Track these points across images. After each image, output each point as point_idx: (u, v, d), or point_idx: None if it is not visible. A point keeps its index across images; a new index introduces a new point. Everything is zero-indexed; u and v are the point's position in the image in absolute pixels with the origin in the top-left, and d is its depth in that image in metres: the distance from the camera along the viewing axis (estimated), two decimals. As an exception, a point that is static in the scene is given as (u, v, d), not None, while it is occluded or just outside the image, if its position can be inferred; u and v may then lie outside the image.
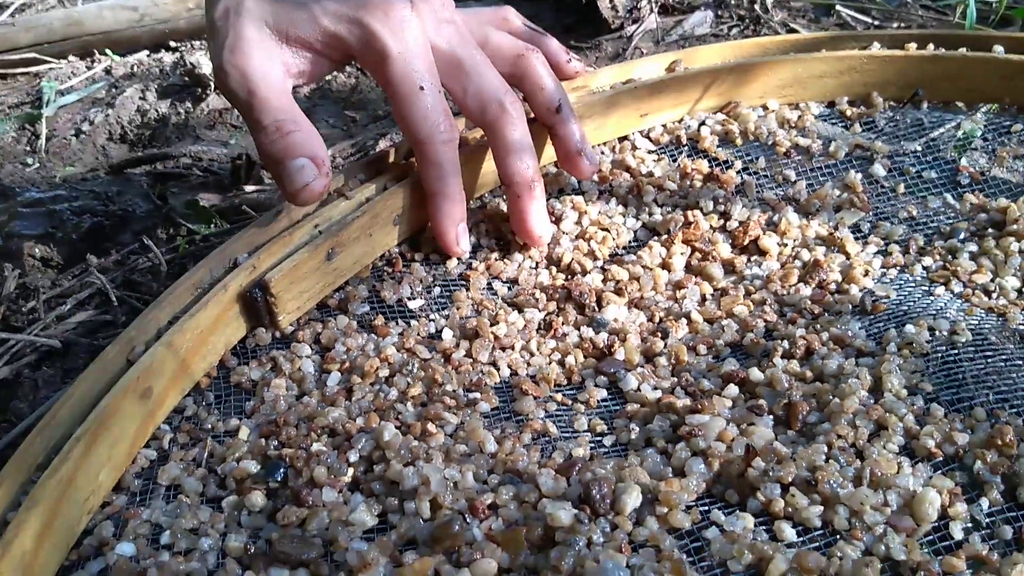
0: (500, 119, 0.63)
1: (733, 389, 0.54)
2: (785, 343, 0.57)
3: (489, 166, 0.68)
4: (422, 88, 0.60)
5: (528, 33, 0.72)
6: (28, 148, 1.06)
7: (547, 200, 0.67)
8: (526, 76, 0.66)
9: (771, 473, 0.46)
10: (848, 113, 0.76)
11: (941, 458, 0.48)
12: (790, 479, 0.46)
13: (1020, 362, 0.54)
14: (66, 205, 0.88)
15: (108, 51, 1.27)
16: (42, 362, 0.62)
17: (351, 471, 0.50)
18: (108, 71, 1.22)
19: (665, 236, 0.67)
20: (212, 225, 0.83)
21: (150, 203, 0.88)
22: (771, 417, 0.51)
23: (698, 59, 0.78)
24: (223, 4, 0.60)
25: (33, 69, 1.25)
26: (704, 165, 0.72)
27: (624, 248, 0.68)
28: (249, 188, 0.87)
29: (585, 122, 0.72)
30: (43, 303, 0.65)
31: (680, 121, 0.76)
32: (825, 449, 0.48)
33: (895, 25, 1.02)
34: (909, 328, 0.56)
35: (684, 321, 0.61)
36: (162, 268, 0.68)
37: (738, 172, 0.72)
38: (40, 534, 0.44)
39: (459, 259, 0.66)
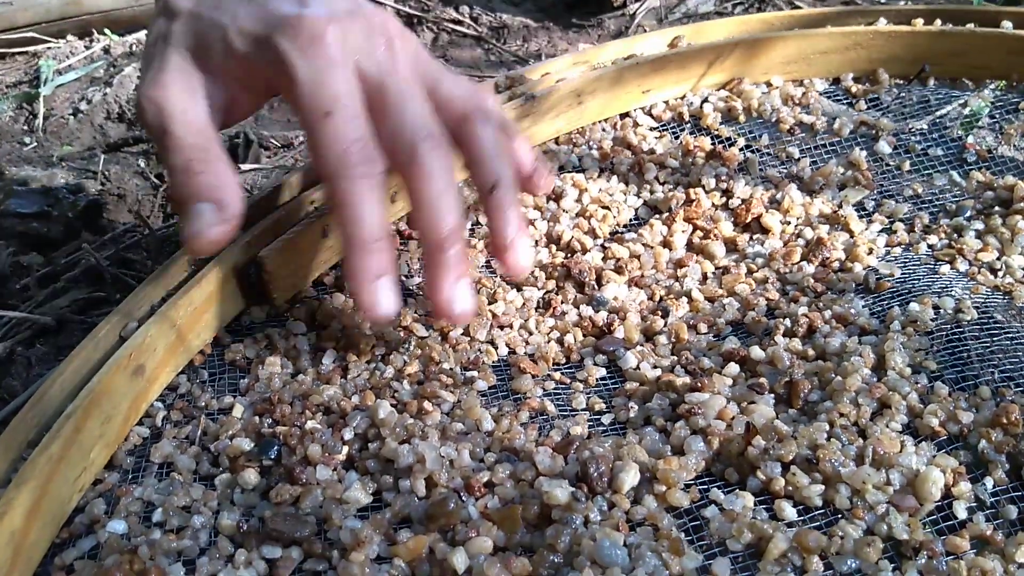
0: (411, 166, 0.52)
1: (734, 367, 0.53)
2: (787, 321, 0.56)
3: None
4: (328, 114, 0.50)
5: (501, 120, 0.58)
6: (25, 127, 1.05)
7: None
8: (468, 142, 0.55)
9: (771, 451, 0.45)
10: (853, 90, 0.75)
11: (945, 437, 0.47)
12: (791, 457, 0.45)
13: (1025, 340, 0.53)
14: (62, 182, 0.87)
15: (107, 31, 1.26)
16: (35, 339, 0.61)
17: (345, 449, 0.49)
18: (107, 50, 1.21)
19: (667, 214, 0.66)
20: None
21: (147, 182, 0.87)
22: (772, 395, 0.51)
23: (701, 35, 0.77)
24: (155, 31, 0.55)
25: (31, 49, 1.24)
26: (707, 142, 0.71)
27: (625, 226, 0.67)
28: (246, 167, 0.86)
29: (587, 98, 0.71)
30: (36, 281, 0.64)
31: (683, 98, 0.75)
32: (827, 427, 0.47)
33: (901, 2, 1.01)
34: (913, 306, 0.55)
35: (685, 300, 0.60)
36: (150, 250, 0.68)
37: (741, 149, 0.71)
38: (30, 512, 0.44)
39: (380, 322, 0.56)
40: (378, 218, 0.51)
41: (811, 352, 0.53)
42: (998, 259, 0.61)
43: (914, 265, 0.61)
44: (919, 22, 0.75)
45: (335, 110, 0.50)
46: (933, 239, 0.63)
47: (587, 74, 0.72)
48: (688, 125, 0.74)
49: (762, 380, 0.51)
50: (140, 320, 0.53)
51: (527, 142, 0.60)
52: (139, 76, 0.59)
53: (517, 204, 0.56)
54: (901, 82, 0.75)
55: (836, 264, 0.61)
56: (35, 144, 1.01)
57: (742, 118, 0.73)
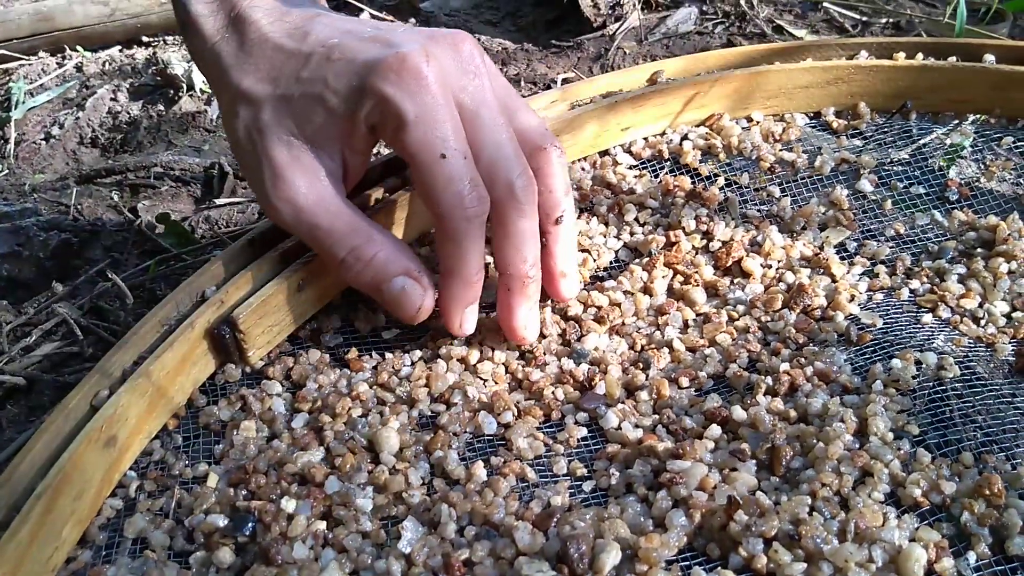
0: (507, 202, 0.54)
1: (715, 429, 0.52)
2: (768, 379, 0.55)
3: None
4: (443, 156, 0.51)
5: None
6: (-4, 154, 1.03)
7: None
8: (539, 172, 0.57)
9: (753, 528, 0.45)
10: (834, 125, 0.74)
11: (928, 507, 0.47)
12: (773, 533, 0.45)
13: (1009, 396, 0.53)
14: (33, 220, 0.85)
15: (79, 47, 1.24)
16: (6, 399, 0.60)
17: (323, 525, 0.48)
18: (79, 68, 1.20)
19: (647, 258, 0.65)
20: (184, 241, 0.81)
21: (120, 217, 0.85)
22: (754, 462, 0.50)
23: (680, 69, 0.76)
24: (242, 123, 0.55)
25: (2, 66, 1.22)
26: (686, 182, 0.70)
27: (605, 269, 0.66)
28: (221, 201, 0.84)
29: (565, 137, 0.70)
30: (7, 335, 0.63)
31: (662, 134, 0.74)
32: (809, 500, 0.46)
33: (883, 21, 1.00)
34: (895, 362, 0.55)
35: (666, 350, 0.60)
36: (128, 301, 0.66)
37: (721, 188, 0.70)
38: (-1, 599, 0.43)
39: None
40: (480, 256, 0.55)
41: (793, 413, 0.53)
42: (980, 306, 0.60)
43: (896, 313, 0.60)
44: (901, 56, 0.74)
45: (448, 151, 0.52)
46: (915, 283, 0.62)
47: (565, 113, 0.71)
48: (668, 163, 0.73)
49: (744, 446, 0.50)
50: (112, 387, 0.52)
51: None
52: (241, 175, 0.60)
53: (574, 237, 0.60)
54: (883, 116, 0.74)
55: (818, 312, 0.61)
56: (6, 171, 0.99)
57: (722, 156, 0.72)
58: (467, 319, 0.57)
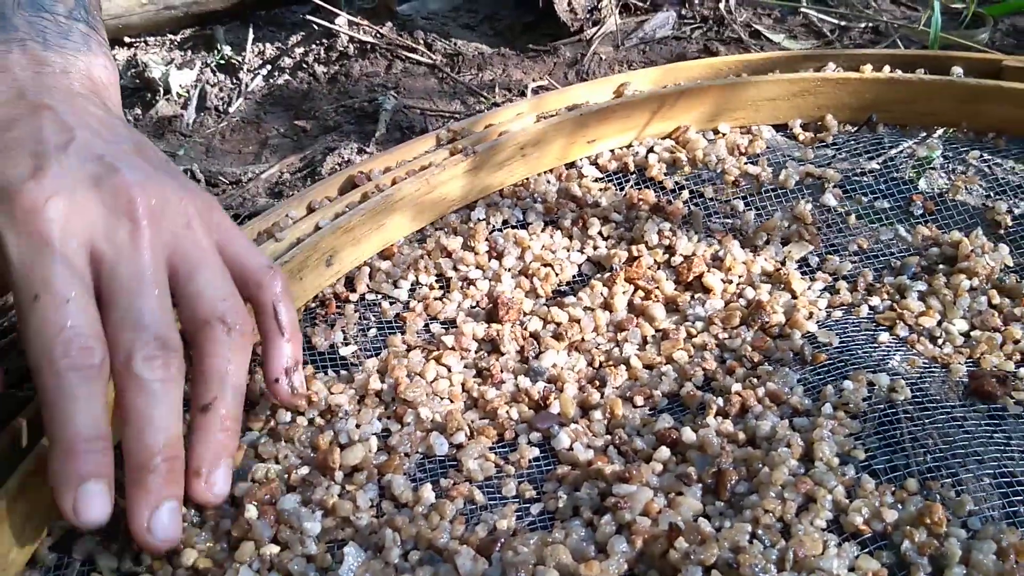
0: (123, 372, 0.46)
1: (665, 451, 0.52)
2: (720, 399, 0.55)
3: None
4: (36, 297, 0.44)
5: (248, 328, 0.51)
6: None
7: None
8: (196, 352, 0.50)
9: (693, 556, 0.45)
10: (801, 137, 0.74)
11: (869, 535, 0.47)
12: (712, 561, 0.45)
13: (960, 419, 0.53)
14: None
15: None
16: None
17: (269, 549, 0.49)
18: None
19: (608, 273, 0.65)
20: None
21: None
22: (700, 486, 0.50)
23: (647, 81, 0.75)
24: None
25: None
26: (651, 195, 0.70)
27: (568, 283, 0.66)
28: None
29: (531, 150, 0.70)
30: (-33, 350, 0.63)
31: (629, 147, 0.74)
32: (749, 528, 0.46)
33: (862, 25, 0.99)
34: (848, 384, 0.55)
35: (623, 367, 0.60)
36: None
37: (685, 202, 0.70)
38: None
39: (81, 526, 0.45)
40: (91, 417, 0.44)
41: (742, 436, 0.53)
42: (939, 324, 0.60)
43: (853, 331, 0.60)
44: (868, 68, 0.74)
45: (42, 293, 0.44)
46: (875, 300, 0.62)
47: (531, 127, 0.70)
48: (634, 175, 0.73)
49: (690, 470, 0.50)
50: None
51: (288, 347, 0.54)
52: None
53: (230, 429, 0.50)
54: (850, 129, 0.74)
55: (775, 330, 0.61)
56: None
57: (688, 169, 0.72)
58: (84, 503, 0.44)
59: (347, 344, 0.62)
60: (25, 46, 0.54)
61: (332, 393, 0.57)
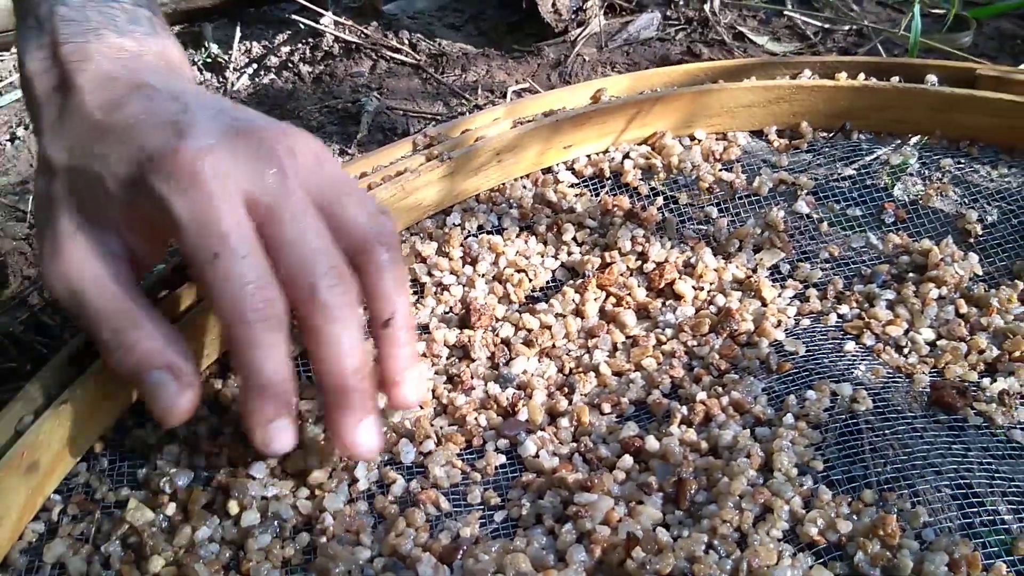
0: (309, 305, 0.49)
1: (628, 460, 0.53)
2: (684, 408, 0.56)
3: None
4: (216, 255, 0.47)
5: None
6: (-39, 153, 1.04)
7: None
8: (362, 271, 0.52)
9: (649, 566, 0.46)
10: (776, 144, 0.74)
11: (824, 545, 0.47)
12: (668, 571, 0.46)
13: (921, 428, 0.53)
14: (-9, 224, 0.86)
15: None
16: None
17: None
18: (51, 65, 1.20)
19: (581, 280, 0.66)
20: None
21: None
22: (660, 494, 0.51)
23: (624, 87, 0.76)
24: (38, 192, 0.53)
25: (-24, 61, 1.23)
26: (625, 201, 0.70)
27: (541, 289, 0.67)
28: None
29: (507, 156, 0.71)
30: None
31: (605, 152, 0.75)
32: (706, 538, 0.47)
33: (845, 28, 1.00)
34: (810, 394, 0.55)
35: (592, 374, 0.60)
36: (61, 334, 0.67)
37: (659, 209, 0.70)
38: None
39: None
40: (278, 363, 0.48)
41: (704, 445, 0.53)
42: (905, 333, 0.61)
43: (821, 340, 0.61)
44: (843, 76, 0.74)
45: (222, 251, 0.47)
46: (844, 308, 0.63)
47: (507, 132, 0.71)
48: (609, 181, 0.73)
49: (651, 479, 0.51)
50: (36, 412, 0.53)
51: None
52: (34, 250, 0.55)
53: (411, 340, 0.54)
54: (825, 135, 0.74)
55: (743, 338, 0.61)
56: (-29, 172, 1.00)
57: (662, 175, 0.72)
58: (273, 436, 0.49)
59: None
60: (101, 35, 0.55)
61: (302, 398, 0.58)
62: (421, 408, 0.59)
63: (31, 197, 0.54)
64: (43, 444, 0.52)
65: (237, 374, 0.52)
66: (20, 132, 1.05)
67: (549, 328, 0.63)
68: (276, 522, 0.51)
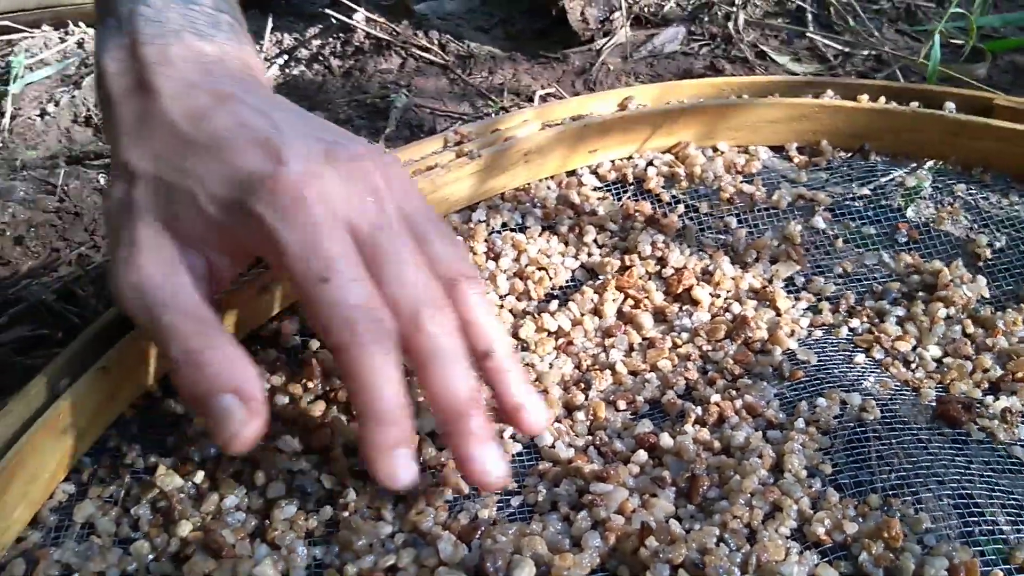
0: (416, 335, 0.48)
1: (642, 455, 0.55)
2: (699, 409, 0.58)
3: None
4: (325, 279, 0.47)
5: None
6: (-8, 126, 1.06)
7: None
8: (456, 304, 0.51)
9: (662, 554, 0.47)
10: (796, 160, 0.76)
11: (829, 545, 0.49)
12: (680, 560, 0.47)
13: (926, 439, 0.55)
14: (21, 195, 0.88)
15: (81, 23, 1.26)
16: (-25, 381, 0.63)
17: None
18: (80, 44, 1.22)
19: (600, 280, 0.68)
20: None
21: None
22: (674, 489, 0.53)
23: (651, 96, 0.78)
24: (115, 196, 0.52)
25: (6, 37, 1.25)
26: (647, 207, 0.72)
27: (561, 288, 0.69)
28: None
29: (534, 157, 0.73)
30: (-21, 316, 0.66)
31: (629, 158, 0.77)
32: (717, 532, 0.49)
33: (864, 53, 1.02)
34: (821, 401, 0.57)
35: (609, 372, 0.62)
36: (98, 292, 0.69)
37: (680, 216, 0.72)
38: (-52, 575, 0.46)
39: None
40: (395, 386, 0.47)
41: (717, 444, 0.55)
42: (913, 349, 0.63)
43: (832, 351, 0.63)
44: (864, 98, 0.76)
45: (331, 275, 0.47)
46: (856, 322, 0.65)
47: (536, 134, 0.73)
48: (632, 187, 0.75)
49: (665, 473, 0.53)
50: (72, 376, 0.55)
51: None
52: (106, 255, 0.55)
53: (518, 366, 0.53)
54: (844, 155, 0.76)
55: (757, 345, 0.63)
56: (0, 145, 1.02)
57: (684, 183, 0.75)
58: (397, 466, 0.47)
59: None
60: (181, 37, 0.55)
61: (331, 384, 0.60)
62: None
63: (103, 201, 0.53)
64: (77, 408, 0.54)
65: (352, 403, 0.52)
66: (50, 108, 1.07)
67: (567, 325, 0.65)
68: (301, 494, 0.53)
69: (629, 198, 0.74)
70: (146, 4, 0.55)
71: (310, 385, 0.59)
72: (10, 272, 0.77)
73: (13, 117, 1.06)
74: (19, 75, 1.13)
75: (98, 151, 0.95)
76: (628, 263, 0.68)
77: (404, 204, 0.52)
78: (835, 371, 0.61)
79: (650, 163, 0.76)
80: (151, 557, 0.50)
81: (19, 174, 0.94)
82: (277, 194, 0.48)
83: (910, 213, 0.73)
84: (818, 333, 0.64)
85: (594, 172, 0.76)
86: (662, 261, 0.69)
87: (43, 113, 1.07)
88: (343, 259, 0.48)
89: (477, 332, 0.52)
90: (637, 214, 0.72)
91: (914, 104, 0.76)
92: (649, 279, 0.68)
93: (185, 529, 0.51)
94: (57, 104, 1.07)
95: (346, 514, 0.52)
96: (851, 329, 0.65)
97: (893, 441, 0.55)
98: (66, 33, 1.25)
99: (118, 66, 0.54)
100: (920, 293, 0.67)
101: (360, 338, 0.46)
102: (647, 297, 0.67)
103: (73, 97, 1.07)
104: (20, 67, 1.14)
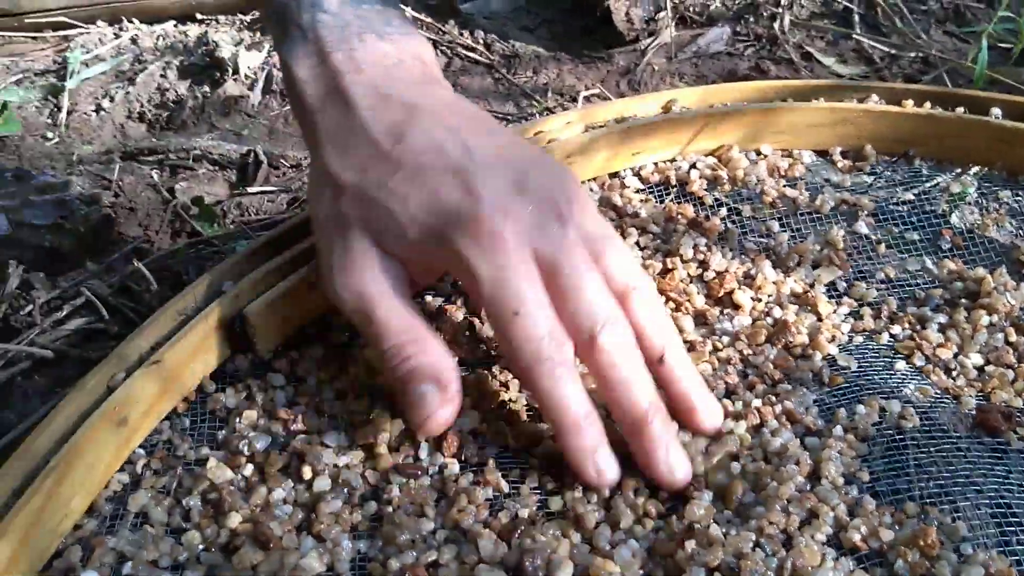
0: (593, 353, 0.53)
1: (681, 457, 0.56)
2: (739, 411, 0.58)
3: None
4: (516, 313, 0.52)
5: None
6: (49, 121, 1.08)
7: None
8: (628, 313, 0.55)
9: (698, 557, 0.48)
10: (840, 165, 0.76)
11: (865, 552, 0.50)
12: (716, 564, 0.48)
13: (965, 448, 0.55)
14: (77, 190, 0.91)
15: (135, 19, 1.29)
16: (35, 370, 0.65)
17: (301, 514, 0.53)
18: (134, 40, 1.24)
19: (642, 283, 0.68)
20: (215, 225, 0.86)
21: (158, 196, 0.90)
22: (711, 492, 0.53)
23: (694, 99, 0.78)
24: (326, 202, 0.57)
25: (62, 33, 1.28)
26: (689, 210, 0.73)
27: (602, 290, 0.70)
28: (253, 189, 0.89)
29: (578, 158, 0.73)
30: (39, 308, 0.68)
31: (672, 161, 0.77)
32: (753, 537, 0.50)
33: (912, 55, 1.01)
34: (860, 408, 0.58)
35: (649, 374, 0.63)
36: (152, 287, 0.71)
37: (722, 219, 0.73)
38: (10, 560, 0.48)
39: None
40: (580, 396, 0.52)
41: (758, 449, 0.56)
42: (955, 357, 0.63)
43: (872, 357, 0.63)
44: (909, 103, 0.76)
45: (522, 309, 0.52)
46: (897, 329, 0.65)
47: (579, 136, 0.74)
48: (675, 189, 0.76)
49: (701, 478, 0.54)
50: (128, 370, 0.57)
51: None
52: (317, 259, 0.60)
53: (691, 368, 0.57)
54: (888, 159, 0.76)
55: (798, 350, 0.63)
56: (57, 140, 1.05)
57: (727, 187, 0.75)
58: (601, 466, 0.53)
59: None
60: (364, 40, 0.59)
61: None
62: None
63: (311, 205, 0.59)
64: (132, 401, 0.56)
65: (547, 420, 0.56)
66: (105, 104, 1.09)
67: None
68: (346, 489, 0.54)
69: (672, 200, 0.75)
70: (324, 11, 0.59)
71: (356, 382, 0.61)
72: (69, 267, 0.80)
73: (69, 112, 1.09)
74: (75, 71, 1.16)
75: (151, 147, 0.98)
76: (670, 266, 0.69)
77: (584, 223, 0.56)
78: (875, 377, 0.61)
79: (693, 166, 0.77)
80: (201, 547, 0.52)
81: (75, 168, 0.97)
82: (477, 230, 0.52)
83: (954, 219, 0.73)
84: (859, 339, 0.65)
85: (637, 174, 0.77)
86: (704, 264, 0.70)
87: (98, 109, 1.09)
88: (531, 291, 0.52)
89: (650, 338, 0.56)
90: (679, 217, 0.72)
91: (959, 109, 0.76)
92: (691, 282, 0.69)
93: (235, 521, 0.53)
94: (112, 100, 1.10)
95: (390, 509, 0.53)
96: (892, 335, 0.65)
97: (932, 449, 0.55)
98: (120, 29, 1.28)
99: (309, 73, 0.59)
100: (963, 300, 0.67)
101: (546, 364, 0.52)
102: (688, 300, 0.67)
103: (127, 93, 1.10)
104: (76, 63, 1.17)
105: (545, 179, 0.56)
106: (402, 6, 0.64)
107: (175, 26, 1.28)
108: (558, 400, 0.52)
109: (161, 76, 1.12)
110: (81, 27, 1.28)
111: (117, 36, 1.26)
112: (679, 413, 0.56)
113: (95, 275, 0.74)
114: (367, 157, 0.56)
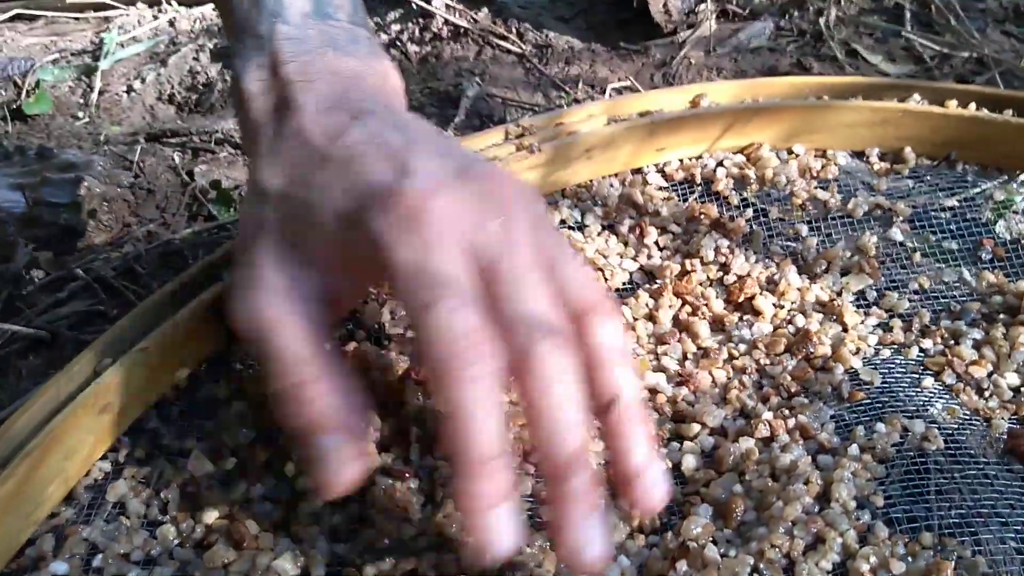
0: (525, 372, 0.42)
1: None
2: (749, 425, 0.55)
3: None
4: (431, 304, 0.42)
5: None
6: (81, 101, 1.08)
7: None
8: (584, 342, 0.45)
9: (690, 579, 0.45)
10: (876, 167, 0.72)
11: (874, 583, 0.46)
12: (709, 587, 0.45)
13: (992, 475, 0.51)
14: (99, 170, 0.90)
15: (173, 2, 1.29)
16: (30, 350, 0.64)
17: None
18: (172, 23, 1.24)
19: (657, 284, 0.65)
20: (232, 209, 0.84)
21: (177, 178, 0.89)
22: (711, 508, 0.50)
23: (725, 94, 0.75)
24: (248, 211, 0.51)
25: (103, 13, 1.28)
26: (713, 209, 0.69)
27: (617, 291, 0.67)
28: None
29: (600, 152, 0.70)
30: (40, 289, 0.67)
31: (698, 158, 0.74)
32: (752, 561, 0.46)
33: (965, 55, 0.96)
34: (880, 427, 0.54)
35: (659, 381, 0.60)
36: (155, 271, 0.70)
37: (748, 221, 0.69)
38: (-22, 546, 0.46)
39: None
40: (494, 430, 0.41)
41: (766, 464, 0.53)
42: (989, 376, 0.58)
43: (899, 372, 0.59)
44: (953, 104, 0.72)
45: (436, 300, 0.42)
46: (928, 343, 0.61)
47: (601, 129, 0.71)
48: (699, 187, 0.72)
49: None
50: (116, 356, 0.55)
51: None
52: (228, 272, 0.53)
53: (644, 422, 0.45)
54: (928, 163, 0.72)
55: (819, 362, 0.60)
56: (87, 119, 1.04)
57: (755, 187, 0.71)
58: (497, 528, 0.41)
59: (395, 324, 0.63)
60: (323, 54, 0.54)
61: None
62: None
63: (239, 221, 0.53)
64: (118, 387, 0.54)
65: (444, 446, 0.46)
66: (136, 85, 1.09)
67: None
68: (329, 489, 0.52)
69: (695, 199, 0.71)
70: (285, 22, 0.54)
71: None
72: (82, 245, 0.79)
73: (101, 92, 1.08)
74: (110, 51, 1.15)
75: (175, 129, 0.97)
76: (689, 268, 0.65)
77: (533, 230, 0.46)
78: (899, 395, 0.57)
79: (720, 163, 0.73)
80: (176, 542, 0.50)
81: (101, 148, 0.96)
82: (395, 208, 0.44)
83: (998, 228, 0.68)
84: (886, 352, 0.61)
85: (660, 171, 0.74)
86: (725, 267, 0.66)
87: (129, 89, 1.09)
88: (453, 284, 0.43)
89: (603, 375, 0.45)
90: (702, 216, 0.69)
91: (1008, 112, 0.71)
92: (710, 285, 0.66)
93: (211, 516, 0.51)
94: (143, 81, 1.09)
95: (372, 512, 0.51)
96: (922, 350, 0.61)
97: (956, 475, 0.51)
98: (159, 11, 1.27)
99: (260, 86, 0.53)
100: (1001, 315, 0.62)
101: (459, 372, 0.41)
102: (706, 304, 0.64)
103: (159, 75, 1.09)
104: (112, 43, 1.17)
105: (498, 180, 0.47)
106: (372, 29, 0.58)
107: (213, 9, 1.28)
108: (465, 424, 0.41)
109: (193, 59, 1.12)
110: (121, 8, 1.28)
111: (155, 18, 1.25)
112: (619, 475, 0.44)
113: (103, 256, 0.72)
114: (299, 159, 0.49)
